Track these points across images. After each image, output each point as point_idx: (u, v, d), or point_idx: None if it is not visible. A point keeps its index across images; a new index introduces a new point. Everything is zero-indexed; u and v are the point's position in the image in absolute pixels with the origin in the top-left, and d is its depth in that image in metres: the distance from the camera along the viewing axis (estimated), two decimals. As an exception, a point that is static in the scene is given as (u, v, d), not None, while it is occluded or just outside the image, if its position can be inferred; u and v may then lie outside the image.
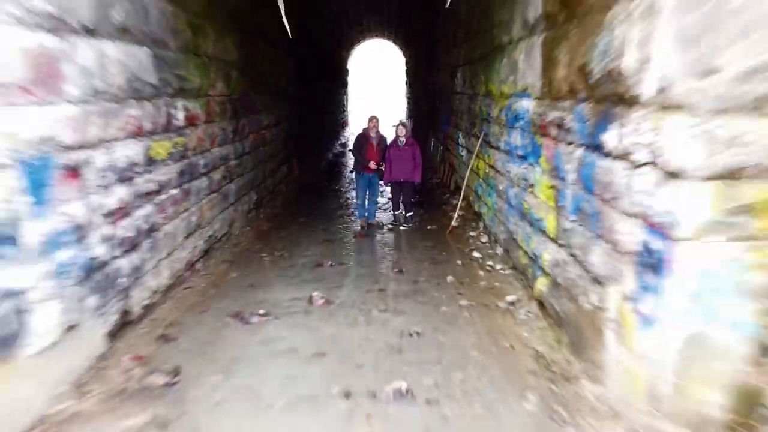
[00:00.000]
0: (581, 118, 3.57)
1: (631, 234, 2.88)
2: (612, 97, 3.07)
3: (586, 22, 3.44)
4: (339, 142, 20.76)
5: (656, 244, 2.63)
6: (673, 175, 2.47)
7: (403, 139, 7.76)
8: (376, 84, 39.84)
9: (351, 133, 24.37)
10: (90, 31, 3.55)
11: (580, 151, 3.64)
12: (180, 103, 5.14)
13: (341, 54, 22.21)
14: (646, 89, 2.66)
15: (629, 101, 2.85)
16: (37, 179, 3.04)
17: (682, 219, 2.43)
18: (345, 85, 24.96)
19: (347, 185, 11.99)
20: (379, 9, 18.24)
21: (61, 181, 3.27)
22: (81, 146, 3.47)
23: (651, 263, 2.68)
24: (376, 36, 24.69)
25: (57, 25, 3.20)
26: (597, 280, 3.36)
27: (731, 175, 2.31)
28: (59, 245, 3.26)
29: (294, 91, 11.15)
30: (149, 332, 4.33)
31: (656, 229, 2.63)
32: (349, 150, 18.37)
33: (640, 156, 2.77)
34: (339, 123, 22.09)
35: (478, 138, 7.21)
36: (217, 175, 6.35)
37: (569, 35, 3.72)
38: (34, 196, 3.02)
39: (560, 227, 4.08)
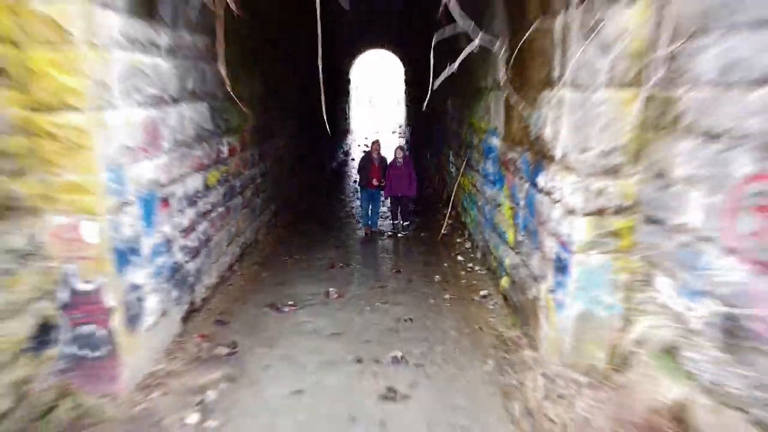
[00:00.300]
0: (526, 162, 4.98)
1: (552, 247, 4.29)
2: (541, 152, 4.48)
3: (529, 94, 4.84)
4: (342, 149, 22.06)
5: (563, 255, 4.04)
6: (569, 211, 3.88)
7: (401, 161, 9.17)
8: (377, 91, 41.15)
9: (353, 140, 25.71)
10: (175, 100, 4.96)
11: (526, 185, 5.05)
12: (225, 139, 6.55)
13: (343, 60, 23.41)
14: (557, 153, 4.07)
15: (549, 158, 4.26)
16: (148, 209, 4.45)
17: (574, 239, 3.84)
18: (347, 92, 26.24)
19: (351, 194, 13.37)
20: (379, 19, 19.47)
21: (159, 209, 4.68)
22: (169, 183, 4.88)
23: (561, 267, 4.09)
24: (377, 46, 25.93)
25: (158, 100, 4.61)
26: (535, 279, 4.77)
27: (600, 213, 3.72)
28: (158, 254, 4.67)
29: (295, 92, 11.86)
30: (208, 318, 5.74)
31: (563, 245, 4.03)
32: (352, 159, 19.79)
33: (556, 195, 4.18)
34: (342, 130, 23.38)
35: (464, 160, 8.62)
36: (248, 193, 7.76)
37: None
38: (146, 221, 4.43)
39: (516, 239, 5.49)
